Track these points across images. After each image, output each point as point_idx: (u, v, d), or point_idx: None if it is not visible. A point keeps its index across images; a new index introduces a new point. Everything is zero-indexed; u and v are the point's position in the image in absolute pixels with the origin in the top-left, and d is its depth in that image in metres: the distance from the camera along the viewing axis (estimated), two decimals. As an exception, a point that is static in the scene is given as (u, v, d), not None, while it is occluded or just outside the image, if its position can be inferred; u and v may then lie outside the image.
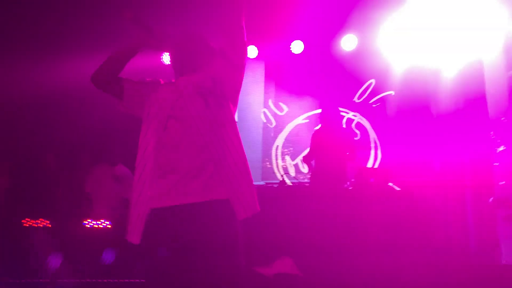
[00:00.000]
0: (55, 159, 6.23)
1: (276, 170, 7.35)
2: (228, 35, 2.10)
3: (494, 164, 5.04)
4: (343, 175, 5.11)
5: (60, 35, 6.51)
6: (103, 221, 5.51)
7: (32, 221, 5.49)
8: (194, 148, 1.93)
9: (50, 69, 6.55)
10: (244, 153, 2.05)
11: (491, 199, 4.58)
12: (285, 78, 7.58)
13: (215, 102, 2.02)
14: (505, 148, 4.80)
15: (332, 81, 7.31)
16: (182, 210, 1.88)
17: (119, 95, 2.12)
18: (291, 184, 6.25)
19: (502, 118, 4.87)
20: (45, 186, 5.94)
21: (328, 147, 5.15)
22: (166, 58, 6.86)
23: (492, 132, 5.12)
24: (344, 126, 6.92)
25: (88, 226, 5.42)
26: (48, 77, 6.63)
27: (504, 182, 4.58)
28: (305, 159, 5.61)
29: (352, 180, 5.06)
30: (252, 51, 7.37)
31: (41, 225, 5.55)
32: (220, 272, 1.83)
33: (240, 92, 2.21)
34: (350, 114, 7.23)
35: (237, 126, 2.10)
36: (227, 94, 2.09)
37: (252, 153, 7.37)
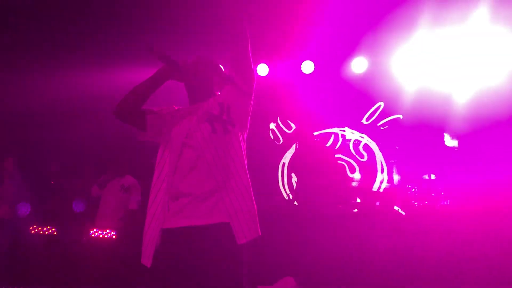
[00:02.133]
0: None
1: (282, 188, 7.37)
2: (236, 62, 2.17)
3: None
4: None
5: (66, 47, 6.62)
6: (108, 231, 5.55)
7: (39, 228, 5.56)
8: (203, 174, 2.02)
9: (57, 80, 6.70)
10: (247, 177, 2.11)
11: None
12: (295, 97, 7.65)
13: (222, 128, 2.09)
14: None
15: (341, 102, 7.37)
16: (188, 232, 1.97)
17: (142, 126, 2.18)
18: (296, 203, 6.27)
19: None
20: (51, 194, 6.04)
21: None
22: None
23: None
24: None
25: (94, 235, 5.46)
26: (55, 87, 6.78)
27: None
28: None
29: (358, 202, 5.08)
30: (263, 69, 7.47)
31: (47, 233, 5.62)
32: None
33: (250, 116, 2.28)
34: (358, 136, 7.27)
35: (244, 149, 2.18)
36: (235, 119, 2.16)
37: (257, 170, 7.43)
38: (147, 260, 2.02)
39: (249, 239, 2.01)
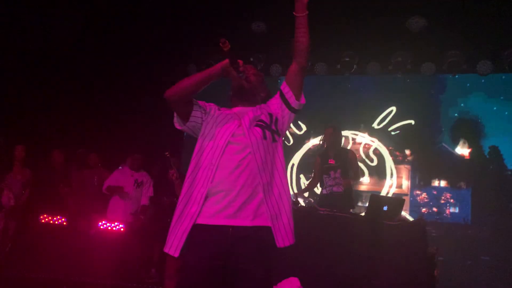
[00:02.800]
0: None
1: (290, 189, 7.38)
2: (295, 76, 2.33)
3: None
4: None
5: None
6: (117, 223, 5.62)
7: (49, 217, 5.64)
8: (250, 175, 2.06)
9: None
10: (288, 187, 2.19)
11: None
12: (308, 98, 7.64)
13: (271, 136, 2.18)
14: None
15: (353, 104, 7.38)
16: (229, 230, 2.00)
17: (185, 116, 2.24)
18: (304, 205, 6.27)
19: None
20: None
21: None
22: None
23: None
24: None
25: (102, 227, 5.54)
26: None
27: None
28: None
29: (365, 205, 5.07)
30: (276, 70, 7.50)
31: (57, 222, 5.70)
32: None
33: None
34: (368, 140, 7.26)
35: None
36: (280, 131, 2.26)
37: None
38: (174, 250, 2.03)
39: (286, 244, 2.07)
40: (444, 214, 6.68)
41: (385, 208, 4.46)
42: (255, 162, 2.07)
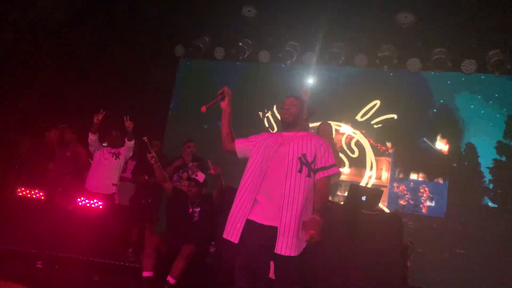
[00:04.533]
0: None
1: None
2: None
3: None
4: None
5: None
6: (96, 200, 5.59)
7: (26, 190, 5.56)
8: (281, 188, 2.63)
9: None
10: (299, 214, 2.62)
11: None
12: (294, 87, 7.66)
13: (306, 172, 2.67)
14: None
15: (338, 96, 7.43)
16: (267, 229, 2.58)
17: (234, 154, 2.96)
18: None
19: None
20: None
21: None
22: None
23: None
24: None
25: (81, 204, 5.49)
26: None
27: None
28: None
29: (344, 195, 5.15)
30: (264, 55, 7.50)
31: (34, 196, 5.63)
32: None
33: None
34: (351, 131, 7.34)
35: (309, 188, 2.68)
36: (316, 167, 2.70)
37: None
38: (235, 237, 2.62)
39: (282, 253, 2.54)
40: (421, 207, 6.83)
41: (363, 198, 4.55)
42: (287, 184, 2.67)
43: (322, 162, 2.72)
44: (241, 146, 2.92)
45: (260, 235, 2.57)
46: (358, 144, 7.28)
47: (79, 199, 5.50)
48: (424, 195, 6.82)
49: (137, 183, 6.20)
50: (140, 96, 7.64)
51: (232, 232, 2.63)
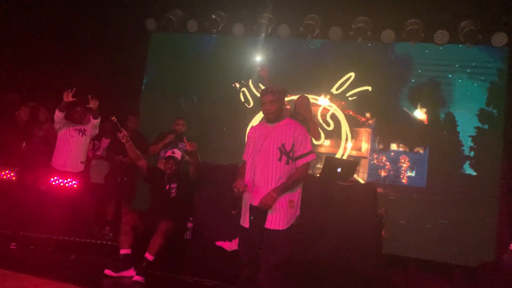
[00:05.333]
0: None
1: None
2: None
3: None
4: None
5: None
6: (69, 179, 5.49)
7: (-4, 171, 5.41)
8: (265, 176, 3.13)
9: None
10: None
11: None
12: (269, 61, 7.59)
13: (285, 160, 3.12)
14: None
15: (313, 69, 7.40)
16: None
17: None
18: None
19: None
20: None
21: None
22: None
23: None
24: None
25: (54, 183, 5.39)
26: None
27: None
28: None
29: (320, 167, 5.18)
30: (239, 28, 7.40)
31: (5, 177, 5.48)
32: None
33: None
34: (327, 104, 7.36)
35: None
36: (295, 156, 3.14)
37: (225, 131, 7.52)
38: (246, 223, 3.18)
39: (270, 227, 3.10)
40: (402, 177, 6.93)
41: (339, 169, 4.60)
42: (269, 170, 3.17)
43: (301, 150, 3.13)
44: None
45: (257, 215, 3.09)
46: (334, 116, 7.31)
47: (52, 179, 5.39)
48: (405, 165, 6.91)
49: (112, 162, 6.12)
50: (113, 72, 7.46)
51: (244, 219, 3.18)
